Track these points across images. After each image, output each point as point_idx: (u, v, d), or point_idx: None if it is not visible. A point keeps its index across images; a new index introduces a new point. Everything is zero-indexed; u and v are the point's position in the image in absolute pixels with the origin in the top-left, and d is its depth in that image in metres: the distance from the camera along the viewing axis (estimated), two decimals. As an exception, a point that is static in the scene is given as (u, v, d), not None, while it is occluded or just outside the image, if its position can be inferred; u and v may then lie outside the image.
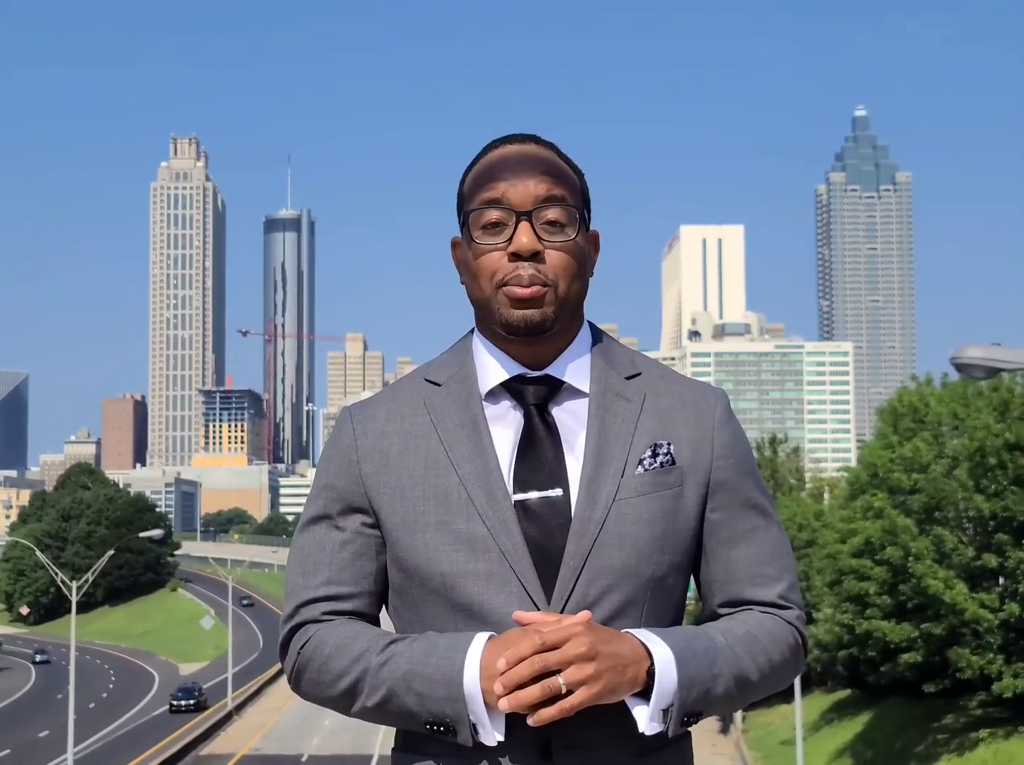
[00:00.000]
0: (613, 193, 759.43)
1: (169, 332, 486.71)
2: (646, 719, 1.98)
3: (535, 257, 2.09)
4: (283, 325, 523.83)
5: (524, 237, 2.09)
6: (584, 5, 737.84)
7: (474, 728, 1.98)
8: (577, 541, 2.06)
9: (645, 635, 2.02)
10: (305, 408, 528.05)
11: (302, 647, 2.14)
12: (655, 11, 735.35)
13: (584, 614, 1.98)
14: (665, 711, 1.99)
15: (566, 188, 2.14)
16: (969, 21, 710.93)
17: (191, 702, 66.47)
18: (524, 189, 2.11)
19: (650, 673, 1.98)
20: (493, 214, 2.11)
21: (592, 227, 2.24)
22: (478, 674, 1.96)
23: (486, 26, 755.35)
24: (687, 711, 2.00)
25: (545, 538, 2.07)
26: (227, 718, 59.20)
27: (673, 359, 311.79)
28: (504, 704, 1.93)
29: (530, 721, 1.94)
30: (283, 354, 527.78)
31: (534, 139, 2.21)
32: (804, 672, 47.85)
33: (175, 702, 67.09)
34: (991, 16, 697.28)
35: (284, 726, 56.38)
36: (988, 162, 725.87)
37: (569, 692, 1.93)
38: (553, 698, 1.93)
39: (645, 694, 1.99)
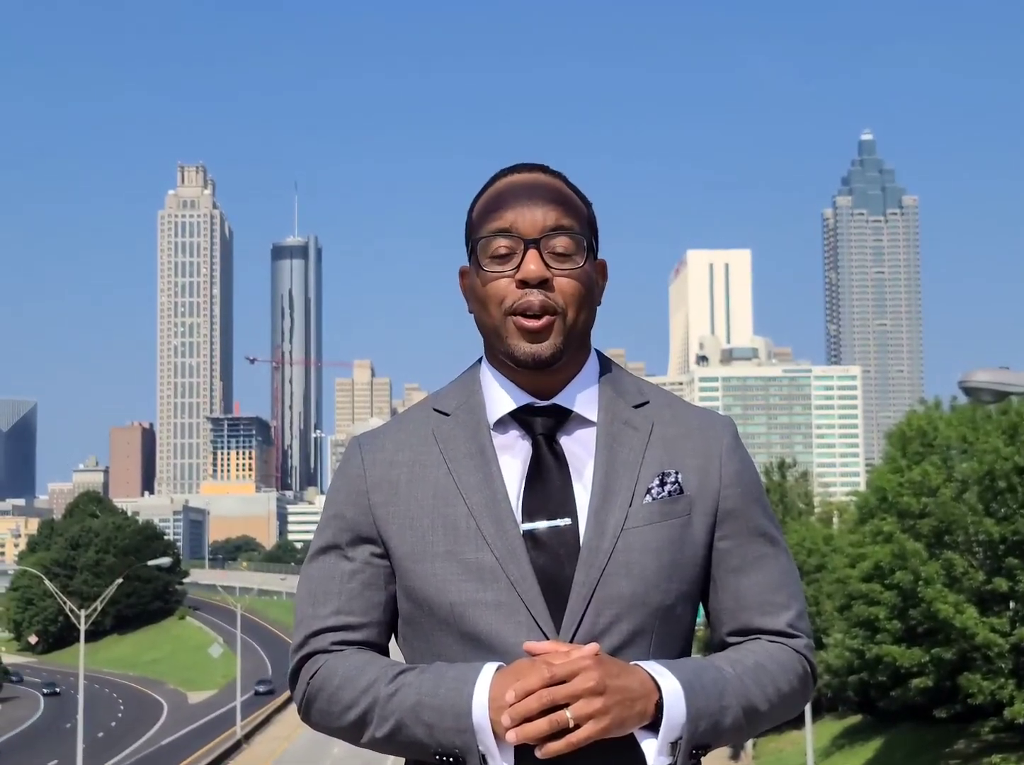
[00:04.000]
0: (620, 219, 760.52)
1: (177, 360, 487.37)
2: (655, 752, 1.99)
3: (543, 285, 2.10)
4: (291, 352, 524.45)
5: (532, 265, 2.09)
6: (591, 36, 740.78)
7: (483, 759, 1.98)
8: (586, 570, 2.07)
9: (654, 668, 2.02)
10: (313, 435, 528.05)
11: (311, 677, 2.15)
12: (660, 41, 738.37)
13: (593, 646, 1.98)
14: (674, 744, 1.99)
15: (574, 217, 2.15)
16: (974, 45, 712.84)
17: None
18: (532, 218, 2.12)
19: (659, 706, 1.99)
20: (501, 243, 2.12)
21: (600, 255, 2.25)
22: (487, 705, 1.97)
23: (495, 56, 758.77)
24: (695, 743, 2.01)
25: (554, 567, 2.07)
26: (236, 746, 59.00)
27: (681, 384, 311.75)
28: (512, 736, 1.93)
29: (538, 753, 1.94)
30: (291, 381, 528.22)
31: (542, 168, 2.21)
32: (815, 698, 47.66)
33: None
34: (996, 41, 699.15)
35: (293, 754, 56.19)
36: (994, 185, 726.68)
37: (577, 726, 1.94)
38: (561, 731, 1.94)
39: (654, 727, 2.00)
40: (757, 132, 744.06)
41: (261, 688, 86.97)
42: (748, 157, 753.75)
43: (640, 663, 2.03)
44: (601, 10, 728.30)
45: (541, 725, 1.92)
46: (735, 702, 2.06)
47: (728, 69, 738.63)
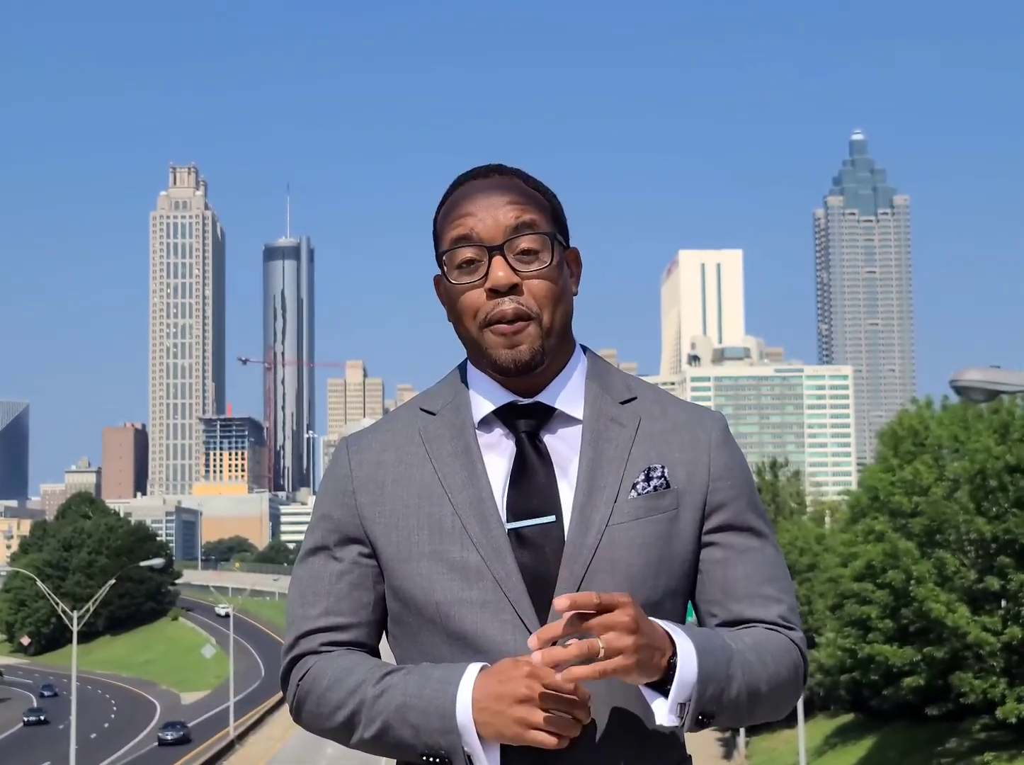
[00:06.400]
0: (612, 218, 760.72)
1: (169, 361, 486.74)
2: (665, 711, 1.97)
3: (513, 290, 2.09)
4: (283, 353, 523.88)
5: (500, 272, 2.08)
6: (582, 34, 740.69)
7: (469, 759, 1.99)
8: (570, 567, 2.06)
9: (670, 626, 2.01)
10: (305, 436, 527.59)
11: (301, 679, 2.16)
12: (651, 41, 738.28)
13: (625, 595, 1.96)
14: (682, 705, 1.98)
15: (536, 212, 2.14)
16: (965, 44, 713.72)
17: None
18: (493, 222, 2.10)
19: (671, 664, 1.97)
20: (466, 252, 2.11)
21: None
22: (470, 706, 1.97)
23: (487, 54, 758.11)
24: (702, 708, 1.99)
25: (539, 565, 2.07)
26: (229, 747, 58.96)
27: (673, 384, 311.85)
28: (537, 657, 1.91)
29: (561, 676, 1.91)
30: (283, 382, 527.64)
31: (498, 169, 2.20)
32: (807, 696, 47.76)
33: None
34: (986, 39, 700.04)
35: (286, 755, 56.18)
36: (986, 185, 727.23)
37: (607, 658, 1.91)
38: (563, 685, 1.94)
39: (661, 687, 1.99)
40: (748, 132, 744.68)
41: (169, 735, 65.75)
42: (739, 157, 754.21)
43: (655, 620, 2.00)
44: (592, 9, 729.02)
45: (571, 649, 1.89)
46: (739, 673, 2.05)
47: (719, 69, 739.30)
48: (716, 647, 2.04)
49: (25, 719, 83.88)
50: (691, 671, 1.97)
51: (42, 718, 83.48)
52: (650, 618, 1.99)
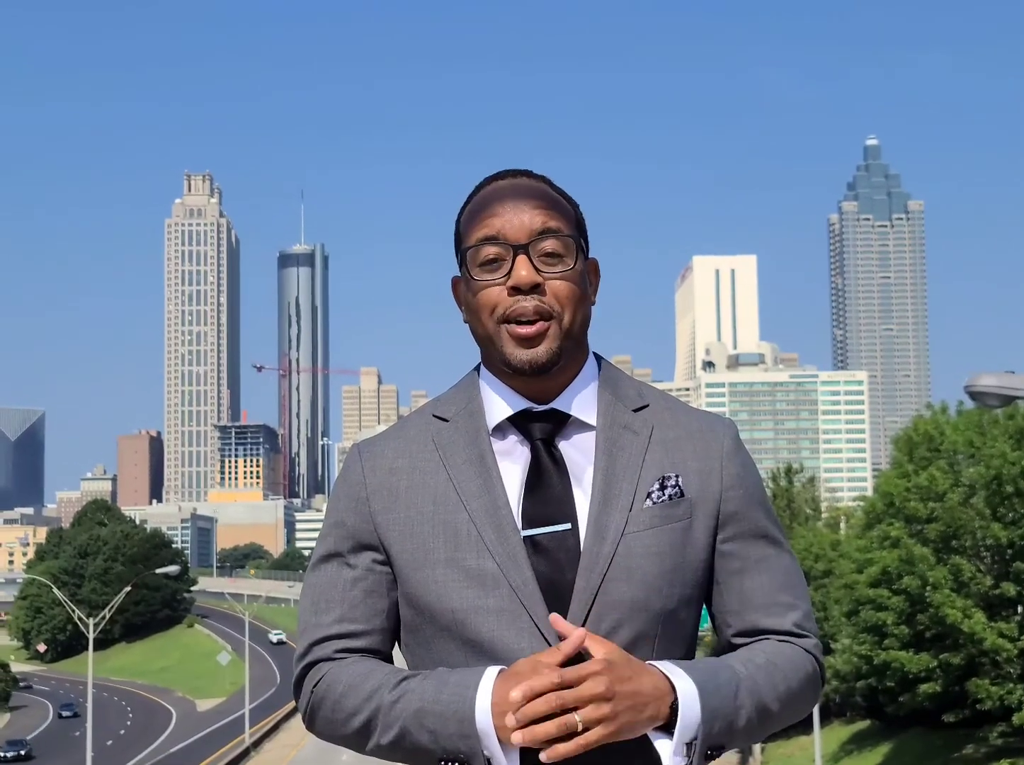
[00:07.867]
0: (626, 225, 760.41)
1: (184, 368, 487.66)
2: (669, 753, 1.98)
3: (535, 290, 2.10)
4: (298, 360, 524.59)
5: (523, 270, 2.09)
6: (597, 41, 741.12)
7: (489, 763, 1.98)
8: (586, 576, 2.07)
9: (669, 669, 2.01)
10: (320, 442, 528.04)
11: (315, 686, 2.15)
12: (665, 47, 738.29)
13: (608, 646, 1.99)
14: (689, 744, 1.98)
15: (562, 219, 2.15)
16: (979, 49, 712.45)
17: None
18: (519, 223, 2.12)
19: (673, 708, 1.98)
20: (490, 250, 2.12)
21: (600, 259, 2.26)
22: (490, 710, 1.96)
23: (503, 60, 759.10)
24: (710, 744, 2.00)
25: (555, 573, 2.07)
26: (245, 754, 58.96)
27: (687, 390, 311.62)
28: (518, 737, 1.92)
29: (544, 756, 1.93)
30: (298, 389, 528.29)
31: (526, 173, 2.22)
32: (823, 703, 47.62)
33: None
34: (1001, 44, 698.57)
35: (302, 761, 56.17)
36: (1000, 190, 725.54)
37: (586, 729, 1.93)
38: (569, 735, 1.93)
39: (668, 728, 1.99)
40: (763, 137, 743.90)
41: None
42: (754, 162, 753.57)
43: (656, 663, 2.02)
44: (607, 14, 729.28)
45: (549, 727, 1.91)
46: (748, 702, 2.05)
47: (733, 75, 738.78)
48: (722, 681, 2.04)
49: (3, 754, 71.92)
50: (694, 713, 1.97)
51: (23, 753, 71.79)
52: (648, 663, 2.02)
